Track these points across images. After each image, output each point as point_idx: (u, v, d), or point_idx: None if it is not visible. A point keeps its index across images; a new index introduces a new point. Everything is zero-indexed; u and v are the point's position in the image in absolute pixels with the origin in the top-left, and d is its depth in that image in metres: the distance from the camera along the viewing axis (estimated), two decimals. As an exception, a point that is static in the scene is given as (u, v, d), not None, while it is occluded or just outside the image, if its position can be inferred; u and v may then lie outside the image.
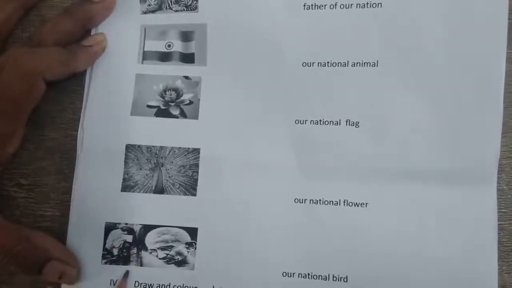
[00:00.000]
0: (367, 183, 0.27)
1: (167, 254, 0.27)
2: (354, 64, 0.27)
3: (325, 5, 0.28)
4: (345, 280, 0.26)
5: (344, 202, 0.27)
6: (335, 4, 0.27)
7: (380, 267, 0.26)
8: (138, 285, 0.27)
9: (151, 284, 0.27)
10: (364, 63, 0.27)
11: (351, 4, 0.27)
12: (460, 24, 0.27)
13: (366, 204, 0.27)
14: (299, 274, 0.26)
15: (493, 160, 0.26)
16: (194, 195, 0.27)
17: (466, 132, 0.26)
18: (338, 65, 0.27)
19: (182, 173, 0.28)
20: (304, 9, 0.28)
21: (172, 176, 0.28)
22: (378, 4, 0.27)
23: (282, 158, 0.27)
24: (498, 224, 0.26)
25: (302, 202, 0.27)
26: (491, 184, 0.26)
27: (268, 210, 0.27)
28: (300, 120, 0.27)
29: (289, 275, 0.26)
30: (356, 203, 0.27)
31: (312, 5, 0.28)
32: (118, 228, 0.27)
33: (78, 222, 0.27)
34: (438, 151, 0.26)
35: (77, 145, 0.28)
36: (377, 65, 0.27)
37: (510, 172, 0.27)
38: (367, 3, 0.27)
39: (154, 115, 0.28)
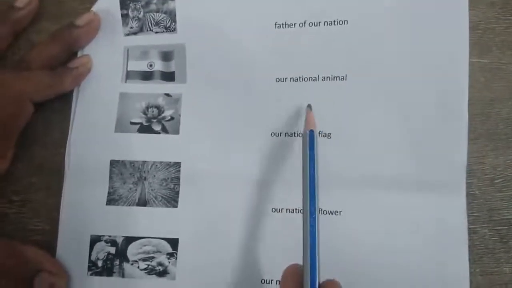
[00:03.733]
0: (340, 192, 0.27)
1: (148, 265, 0.28)
2: (324, 78, 0.28)
3: (294, 24, 0.29)
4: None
5: (319, 210, 0.28)
6: (304, 22, 0.29)
7: (354, 272, 0.27)
8: None
9: None
10: (334, 77, 0.28)
11: (319, 22, 0.28)
12: (422, 37, 0.28)
13: (340, 212, 0.27)
14: (277, 281, 0.27)
15: (461, 167, 0.27)
16: (176, 206, 0.28)
17: (433, 140, 0.27)
18: (309, 80, 0.28)
19: (164, 186, 0.29)
20: (275, 27, 0.29)
21: (154, 189, 0.29)
22: (344, 21, 0.28)
23: (259, 169, 0.28)
24: (471, 228, 0.27)
25: (279, 211, 0.28)
26: (459, 190, 0.27)
27: (247, 220, 0.28)
28: (276, 133, 0.28)
29: (268, 282, 0.27)
30: (330, 211, 0.28)
31: (282, 24, 0.29)
32: (102, 240, 0.28)
33: (66, 235, 0.28)
34: (407, 160, 0.27)
35: (65, 162, 0.29)
36: (346, 79, 0.28)
37: (481, 177, 0.28)
38: (334, 21, 0.28)
39: (137, 131, 0.29)
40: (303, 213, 0.23)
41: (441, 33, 0.28)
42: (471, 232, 0.27)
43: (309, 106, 0.27)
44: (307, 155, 0.24)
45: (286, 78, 0.29)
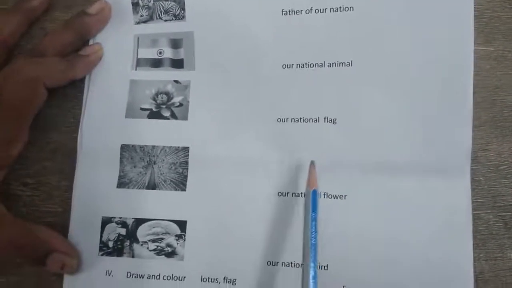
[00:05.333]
0: (345, 177, 0.28)
1: (158, 246, 0.29)
2: (330, 65, 0.29)
3: (301, 10, 0.29)
4: (326, 268, 0.27)
5: (324, 194, 0.28)
6: (311, 9, 0.29)
7: (359, 256, 0.27)
8: (130, 275, 0.28)
9: (142, 275, 0.28)
10: (340, 63, 0.29)
11: (325, 9, 0.29)
12: (428, 24, 0.28)
13: (345, 196, 0.28)
14: (282, 263, 0.28)
15: (465, 153, 0.27)
16: (184, 190, 0.29)
17: (438, 126, 0.27)
18: (315, 66, 0.29)
19: (173, 170, 0.29)
20: (282, 14, 0.29)
21: (163, 173, 0.30)
22: (350, 7, 0.29)
23: (265, 154, 0.29)
24: (476, 214, 0.27)
25: (285, 195, 0.28)
26: (464, 175, 0.27)
27: (253, 204, 0.28)
28: (282, 119, 0.29)
29: (273, 263, 0.28)
30: (335, 195, 0.28)
31: (289, 10, 0.29)
32: (113, 222, 0.29)
33: (78, 217, 0.29)
34: (412, 145, 0.28)
35: (77, 146, 0.30)
36: (351, 65, 0.28)
37: (486, 163, 0.28)
38: (340, 7, 0.29)
39: (147, 117, 0.30)
40: (303, 267, 0.24)
41: (446, 21, 0.28)
42: (476, 217, 0.27)
43: (312, 163, 0.27)
44: (309, 215, 0.25)
45: (292, 65, 0.29)
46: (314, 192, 0.25)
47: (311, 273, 0.23)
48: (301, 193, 0.28)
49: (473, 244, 0.27)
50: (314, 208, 0.25)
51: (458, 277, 0.26)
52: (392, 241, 0.27)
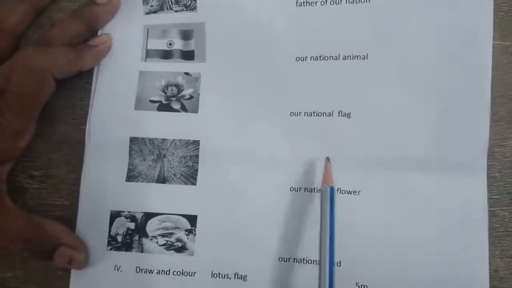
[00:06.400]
0: (359, 172, 0.27)
1: (167, 241, 0.28)
2: (345, 58, 0.28)
3: (316, 2, 0.29)
4: (339, 264, 0.27)
5: (337, 190, 0.28)
6: (326, 0, 0.29)
7: (372, 251, 0.27)
8: (139, 270, 0.28)
9: (151, 270, 0.28)
10: (355, 56, 0.28)
11: (341, 0, 0.28)
12: (447, 16, 0.27)
13: (359, 192, 0.27)
14: (294, 259, 0.27)
15: (482, 149, 0.27)
16: (194, 184, 0.29)
17: (455, 121, 0.27)
18: (329, 59, 0.28)
19: (183, 164, 0.29)
20: (296, 6, 0.29)
21: (173, 166, 0.29)
22: None
23: (278, 148, 0.28)
24: (491, 211, 0.27)
25: (298, 190, 0.28)
26: (480, 172, 0.27)
27: (265, 198, 0.28)
28: (295, 112, 0.28)
29: (285, 260, 0.27)
30: (349, 191, 0.27)
31: (304, 2, 0.29)
32: (122, 216, 0.29)
33: (86, 210, 0.29)
34: (428, 140, 0.27)
35: (85, 139, 0.29)
36: (367, 58, 0.28)
37: (501, 159, 0.28)
38: None
39: (157, 109, 0.30)
40: (320, 267, 0.24)
41: (465, 14, 0.27)
42: (491, 214, 0.27)
43: (327, 159, 0.27)
44: (326, 213, 0.24)
45: (306, 57, 0.28)
46: (332, 190, 0.25)
47: (328, 273, 0.22)
48: (314, 188, 0.28)
49: (489, 242, 0.26)
50: (332, 207, 0.24)
51: (473, 275, 0.26)
52: (406, 237, 0.27)
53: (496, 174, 0.27)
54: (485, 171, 0.27)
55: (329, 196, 0.25)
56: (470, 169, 0.27)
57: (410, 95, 0.27)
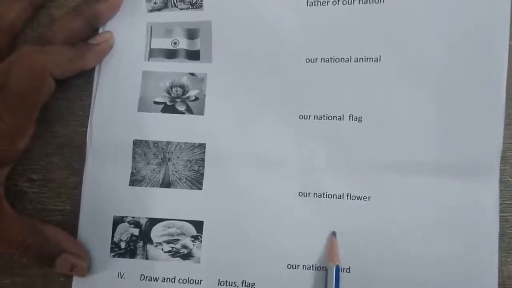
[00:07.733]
0: (370, 177, 0.27)
1: (173, 248, 0.28)
2: (357, 60, 0.27)
3: (327, 1, 0.28)
4: (348, 271, 0.26)
5: (348, 195, 0.27)
6: (338, 1, 0.28)
7: (382, 258, 0.26)
8: (144, 278, 0.27)
9: (156, 278, 0.27)
10: (367, 58, 0.27)
11: (353, 0, 0.28)
12: (461, 17, 0.27)
13: (369, 197, 0.27)
14: (303, 266, 0.27)
15: (496, 153, 0.26)
16: (200, 189, 0.28)
17: (468, 125, 0.26)
18: (341, 61, 0.28)
19: (189, 168, 0.28)
20: (307, 5, 0.28)
21: (178, 170, 0.28)
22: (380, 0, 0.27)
23: (287, 152, 0.28)
24: (503, 216, 0.26)
25: (306, 195, 0.27)
26: (493, 176, 0.26)
27: (273, 204, 0.27)
28: (304, 115, 0.28)
29: (294, 267, 0.27)
30: (359, 197, 0.27)
31: (314, 1, 0.28)
32: (125, 221, 0.28)
33: (88, 216, 0.28)
34: (440, 144, 0.27)
35: (86, 141, 0.29)
36: (379, 60, 0.27)
37: (514, 164, 0.27)
38: None
39: (161, 111, 0.29)
40: None
41: (480, 14, 0.27)
42: (503, 220, 0.26)
43: (333, 233, 0.26)
44: None
45: (316, 59, 0.28)
46: (338, 268, 0.25)
47: None
48: (324, 193, 0.27)
49: (501, 248, 0.26)
50: (337, 286, 0.25)
51: (484, 281, 0.26)
52: (417, 244, 0.26)
53: (509, 179, 0.27)
54: (498, 175, 0.26)
55: (335, 275, 0.25)
56: (483, 173, 0.26)
57: (423, 99, 0.27)
